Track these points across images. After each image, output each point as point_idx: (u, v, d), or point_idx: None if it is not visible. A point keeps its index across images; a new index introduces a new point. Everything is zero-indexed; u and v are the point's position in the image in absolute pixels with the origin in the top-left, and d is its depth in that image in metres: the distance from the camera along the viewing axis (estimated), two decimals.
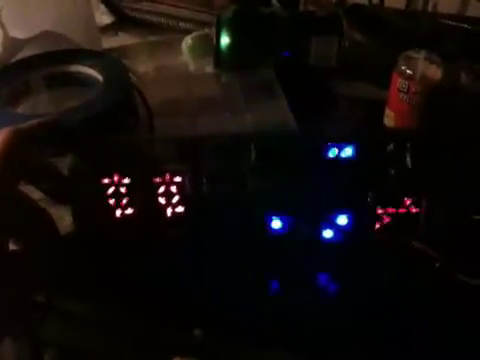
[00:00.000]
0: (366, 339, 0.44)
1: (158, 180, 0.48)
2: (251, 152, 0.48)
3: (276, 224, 0.48)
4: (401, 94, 0.62)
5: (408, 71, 0.62)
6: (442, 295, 0.48)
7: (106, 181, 0.48)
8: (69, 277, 0.48)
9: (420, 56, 0.62)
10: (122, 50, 0.83)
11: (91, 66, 0.63)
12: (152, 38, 0.88)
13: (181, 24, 0.90)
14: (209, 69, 0.76)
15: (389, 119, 0.65)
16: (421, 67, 0.62)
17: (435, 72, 0.62)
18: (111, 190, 0.48)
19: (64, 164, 0.46)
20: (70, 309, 0.48)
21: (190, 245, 0.49)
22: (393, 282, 0.49)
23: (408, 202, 0.48)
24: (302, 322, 0.46)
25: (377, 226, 0.49)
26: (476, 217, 0.50)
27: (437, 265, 0.49)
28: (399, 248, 0.50)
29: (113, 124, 0.58)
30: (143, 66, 0.79)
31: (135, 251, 0.50)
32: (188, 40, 0.80)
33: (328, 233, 0.49)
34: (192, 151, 0.48)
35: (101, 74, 0.62)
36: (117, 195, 0.48)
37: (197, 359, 0.47)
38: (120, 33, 0.89)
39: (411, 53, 0.63)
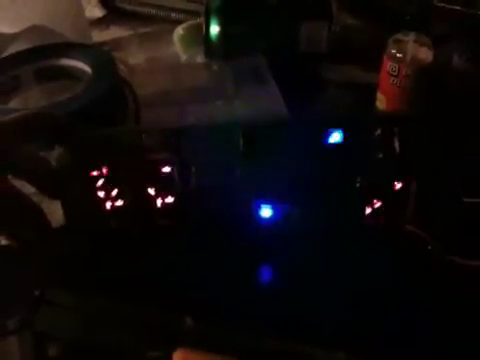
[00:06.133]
0: (360, 324, 0.44)
1: (147, 170, 0.48)
2: (239, 139, 0.47)
3: (265, 211, 0.48)
4: (392, 78, 0.62)
5: (398, 54, 0.61)
6: (436, 277, 0.48)
7: (95, 173, 0.48)
8: (66, 270, 0.49)
9: (410, 39, 0.62)
10: (114, 43, 0.83)
11: (80, 59, 0.63)
12: (143, 30, 0.87)
13: (172, 15, 0.90)
14: (200, 59, 0.76)
15: (380, 103, 0.65)
16: (411, 50, 0.61)
17: (426, 54, 0.62)
18: (100, 182, 0.48)
19: (52, 158, 0.46)
20: (72, 303, 0.49)
21: (181, 234, 0.49)
22: (386, 266, 0.49)
23: (397, 186, 0.48)
24: (295, 309, 0.46)
25: (367, 211, 0.49)
26: (467, 199, 0.50)
27: (429, 248, 0.49)
28: (390, 232, 0.50)
29: (102, 116, 0.58)
30: (134, 58, 0.79)
31: (127, 242, 0.50)
32: (179, 30, 0.80)
33: (317, 219, 0.49)
34: (180, 140, 0.48)
35: (90, 67, 0.62)
36: (106, 187, 0.48)
37: (199, 348, 0.47)
38: (112, 26, 0.89)
39: (400, 36, 0.62)
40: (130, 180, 0.49)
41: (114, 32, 0.87)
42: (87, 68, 0.62)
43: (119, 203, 0.49)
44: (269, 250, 0.49)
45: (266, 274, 0.50)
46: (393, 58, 0.61)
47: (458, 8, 0.87)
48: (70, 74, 0.64)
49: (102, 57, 0.64)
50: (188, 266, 0.49)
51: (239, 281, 0.47)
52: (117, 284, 0.48)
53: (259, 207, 0.48)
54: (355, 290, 0.47)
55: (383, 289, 0.47)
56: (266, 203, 0.48)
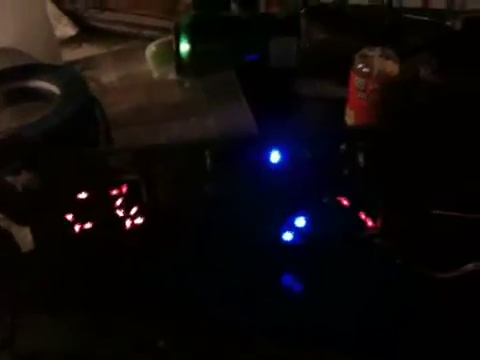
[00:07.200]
0: (335, 335, 0.45)
1: (115, 192, 0.49)
2: (206, 158, 0.48)
3: (236, 228, 0.49)
4: (359, 92, 0.63)
5: (364, 69, 0.62)
6: (407, 290, 0.48)
7: (65, 196, 0.48)
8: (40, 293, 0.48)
9: (375, 53, 0.62)
10: (86, 61, 0.83)
11: (49, 80, 0.63)
12: (116, 47, 0.88)
13: (145, 32, 0.90)
14: (173, 76, 0.76)
15: (350, 117, 0.66)
16: (377, 64, 0.62)
17: (392, 68, 0.63)
18: (70, 204, 0.48)
19: (18, 183, 0.46)
20: (48, 324, 0.48)
21: (152, 254, 0.49)
22: (359, 280, 0.49)
23: (364, 200, 0.49)
24: (266, 325, 0.46)
25: (334, 226, 0.49)
26: (436, 211, 0.50)
27: (398, 261, 0.50)
28: (362, 246, 0.50)
29: (72, 137, 0.58)
30: (107, 76, 0.79)
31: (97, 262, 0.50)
32: (151, 48, 0.80)
33: (288, 236, 0.49)
34: (147, 161, 0.48)
35: (59, 88, 0.62)
36: (76, 209, 0.48)
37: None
38: (84, 44, 0.89)
39: (366, 51, 0.63)
40: (98, 202, 0.49)
41: (86, 50, 0.87)
42: (56, 89, 0.62)
43: (88, 225, 0.49)
44: (241, 265, 0.49)
45: (241, 288, 0.50)
46: (360, 73, 0.62)
47: (426, 19, 0.88)
48: (40, 95, 0.64)
49: (71, 77, 0.64)
50: (163, 282, 0.48)
51: (217, 297, 0.47)
52: (91, 304, 0.48)
53: (229, 223, 0.49)
54: (331, 304, 0.47)
55: (360, 303, 0.47)
56: (235, 219, 0.48)
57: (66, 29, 0.89)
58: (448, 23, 0.87)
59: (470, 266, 0.47)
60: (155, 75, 0.79)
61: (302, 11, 0.79)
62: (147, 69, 0.80)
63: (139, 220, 0.49)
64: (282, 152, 0.48)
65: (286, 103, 0.71)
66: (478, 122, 0.60)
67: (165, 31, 0.87)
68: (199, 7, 0.77)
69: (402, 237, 0.50)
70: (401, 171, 0.52)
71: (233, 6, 0.78)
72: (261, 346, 0.44)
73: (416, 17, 0.88)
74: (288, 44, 0.71)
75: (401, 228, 0.50)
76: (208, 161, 0.48)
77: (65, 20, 0.90)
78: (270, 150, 0.48)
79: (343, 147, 0.48)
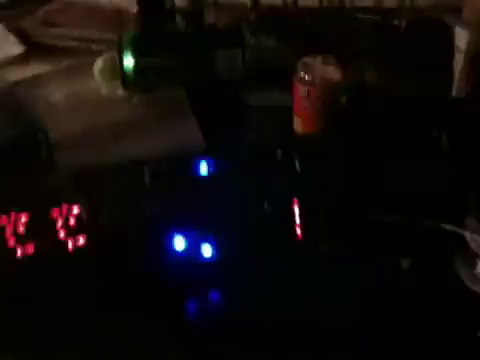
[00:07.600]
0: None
1: (57, 213, 0.48)
2: (144, 175, 0.48)
3: (177, 243, 0.48)
4: (303, 100, 0.63)
5: (307, 77, 0.63)
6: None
7: (3, 221, 0.48)
8: None
9: (317, 61, 0.63)
10: (33, 79, 0.81)
11: None
12: (65, 63, 0.86)
13: (94, 46, 0.89)
14: (121, 92, 0.76)
15: (297, 125, 0.66)
16: (319, 72, 0.63)
17: (334, 74, 0.63)
18: (9, 229, 0.48)
19: None
20: None
21: (96, 273, 0.49)
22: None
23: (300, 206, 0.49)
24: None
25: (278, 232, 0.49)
26: (372, 218, 0.51)
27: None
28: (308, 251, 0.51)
29: (15, 160, 0.57)
30: (55, 94, 0.78)
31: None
32: (99, 63, 0.79)
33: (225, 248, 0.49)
34: (87, 181, 0.48)
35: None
36: (16, 233, 0.48)
37: None
38: (32, 62, 0.87)
39: (308, 59, 0.64)
40: (40, 224, 0.48)
41: (35, 68, 0.85)
42: None
43: (30, 249, 0.48)
44: (183, 280, 0.49)
45: (191, 306, 0.49)
46: (302, 81, 0.63)
47: (373, 20, 0.89)
48: None
49: (11, 99, 0.63)
50: (109, 302, 0.48)
51: (160, 312, 0.47)
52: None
53: (171, 238, 0.48)
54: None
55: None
56: (178, 234, 0.48)
57: (13, 47, 0.87)
58: (395, 22, 0.88)
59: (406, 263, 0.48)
60: (103, 91, 0.78)
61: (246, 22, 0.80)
62: (95, 85, 0.79)
63: (81, 241, 0.48)
64: (218, 165, 0.48)
65: (235, 115, 0.71)
66: (422, 126, 0.62)
67: (114, 45, 0.86)
68: (143, 21, 0.76)
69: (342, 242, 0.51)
70: (343, 177, 0.52)
71: (178, 19, 0.78)
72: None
73: (362, 18, 0.89)
74: (233, 56, 0.71)
75: (341, 233, 0.51)
76: (147, 179, 0.48)
77: (11, 38, 0.89)
78: (207, 164, 0.48)
79: (281, 156, 0.48)
